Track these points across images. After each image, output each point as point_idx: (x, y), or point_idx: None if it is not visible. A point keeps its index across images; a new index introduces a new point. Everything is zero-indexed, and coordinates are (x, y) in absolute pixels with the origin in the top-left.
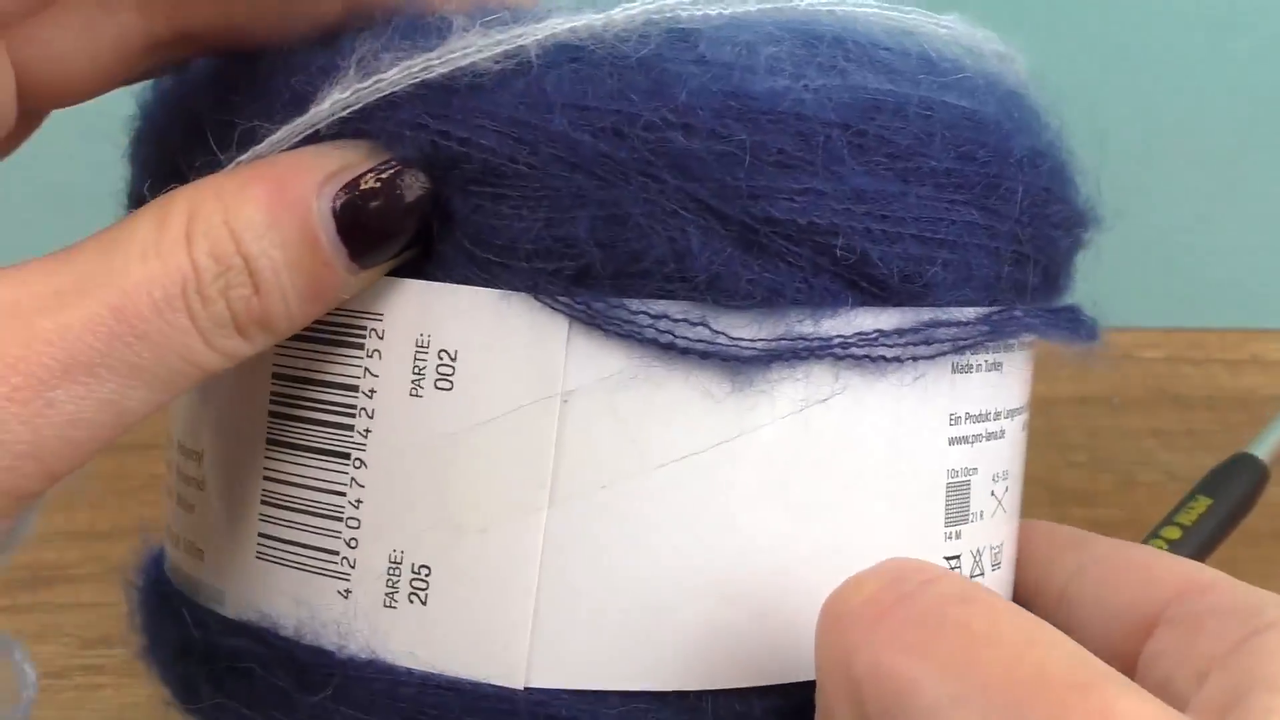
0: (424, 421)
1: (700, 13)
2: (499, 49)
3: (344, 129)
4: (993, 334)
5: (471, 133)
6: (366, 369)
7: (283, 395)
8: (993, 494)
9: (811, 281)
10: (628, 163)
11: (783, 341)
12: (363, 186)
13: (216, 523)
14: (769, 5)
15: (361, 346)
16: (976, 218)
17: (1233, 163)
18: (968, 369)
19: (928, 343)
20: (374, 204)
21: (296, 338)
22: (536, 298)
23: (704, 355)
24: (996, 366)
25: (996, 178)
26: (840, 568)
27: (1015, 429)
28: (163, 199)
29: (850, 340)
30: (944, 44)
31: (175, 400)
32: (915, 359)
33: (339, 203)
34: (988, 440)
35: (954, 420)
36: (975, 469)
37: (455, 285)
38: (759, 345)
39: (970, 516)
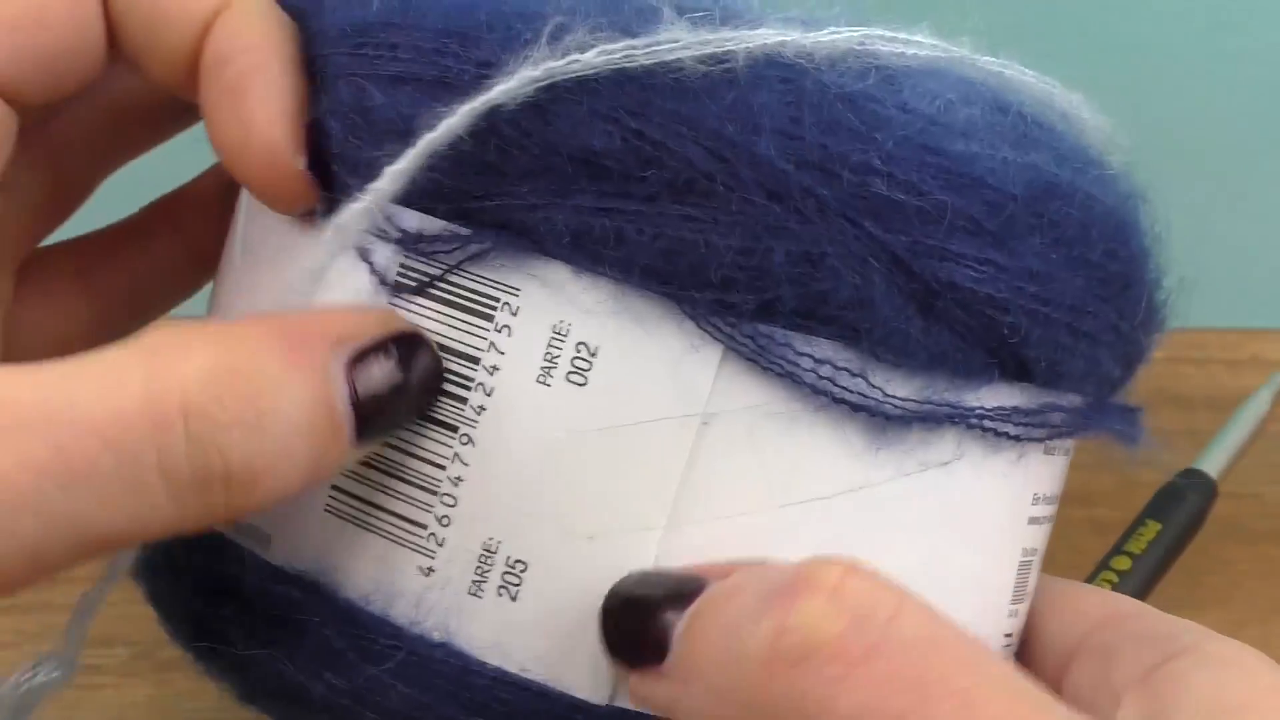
0: (548, 412)
1: (896, 50)
2: (707, 50)
3: (522, 115)
4: (1089, 424)
5: (669, 139)
6: (492, 343)
7: None
8: (1037, 573)
9: (969, 353)
10: (830, 202)
11: (928, 405)
12: (378, 357)
13: None
14: (946, 53)
15: (491, 319)
16: (1111, 315)
17: (1233, 162)
18: (1053, 451)
19: (1042, 425)
20: (389, 377)
21: (418, 290)
22: (699, 321)
23: (855, 407)
24: (1068, 451)
25: (1129, 278)
26: None
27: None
28: (149, 331)
29: (986, 413)
30: (1087, 129)
31: (217, 305)
32: (1029, 439)
33: (354, 371)
34: (1047, 522)
35: (1035, 500)
36: (1037, 549)
37: (611, 282)
38: (908, 405)
39: (1026, 595)
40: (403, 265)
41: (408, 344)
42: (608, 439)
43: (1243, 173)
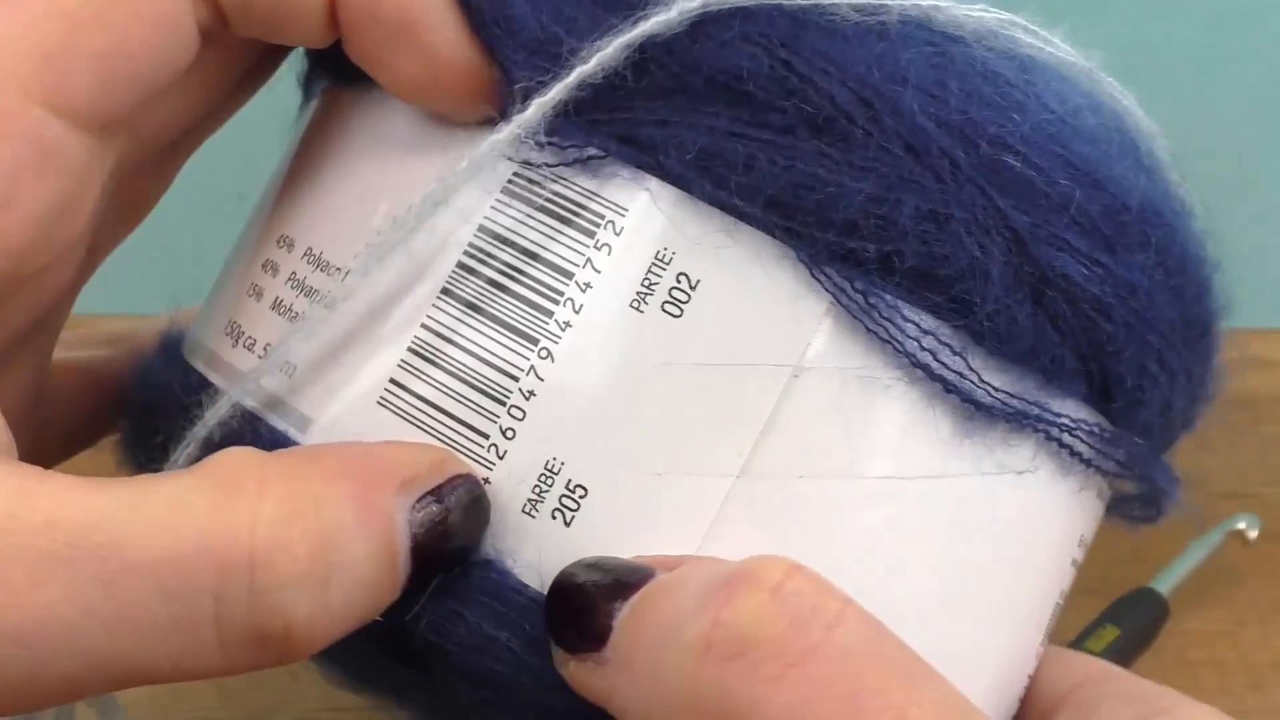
0: (637, 339)
1: (1037, 44)
2: (862, 0)
3: (676, 45)
4: (1148, 472)
5: (815, 74)
6: (589, 260)
7: (481, 251)
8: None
9: (1065, 354)
10: (965, 168)
11: (1020, 401)
12: (436, 503)
13: (330, 347)
14: (1077, 61)
15: (592, 235)
16: (1189, 359)
17: (1233, 162)
18: (1103, 496)
19: (1112, 457)
20: (446, 525)
21: (517, 198)
22: (812, 268)
23: (949, 388)
24: (1105, 497)
25: (1206, 329)
26: (956, 656)
27: None
28: (219, 458)
29: (1069, 425)
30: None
31: (304, 188)
32: (1096, 470)
33: (417, 517)
34: (1076, 571)
35: (1080, 542)
36: (1065, 595)
37: (722, 214)
38: (1000, 396)
39: (1047, 640)
40: (516, 173)
41: (465, 488)
42: (694, 375)
43: (1243, 172)
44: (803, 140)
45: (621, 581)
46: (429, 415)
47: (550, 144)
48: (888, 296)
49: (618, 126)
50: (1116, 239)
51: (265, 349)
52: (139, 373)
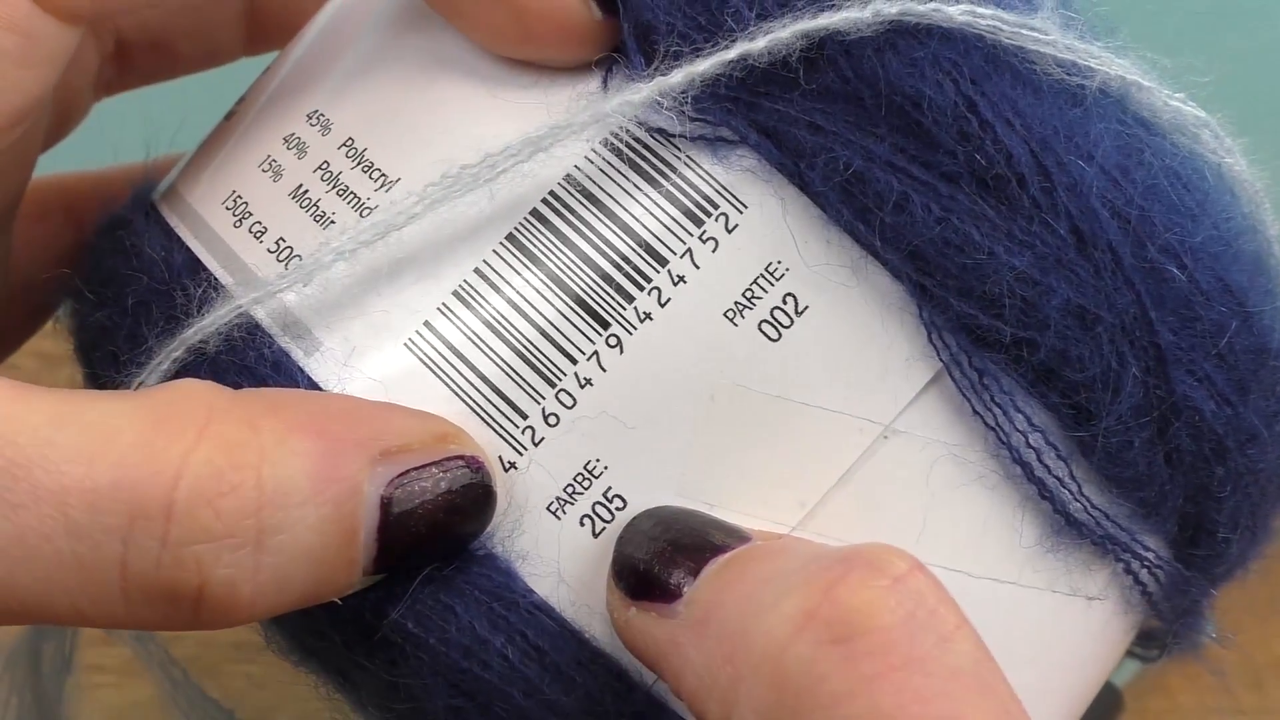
0: (722, 353)
1: (1220, 150)
2: (1068, 56)
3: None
4: (1192, 624)
5: (998, 123)
6: (690, 251)
7: (562, 203)
8: None
9: (1171, 492)
10: (1127, 268)
11: (1113, 526)
12: (422, 481)
13: (365, 267)
14: (1245, 175)
15: (700, 223)
16: (1271, 513)
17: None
18: (1150, 658)
19: (1172, 603)
20: (430, 508)
21: (621, 156)
22: (932, 332)
23: (1044, 494)
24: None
25: None
26: None
27: None
28: (171, 387)
29: (1154, 564)
30: None
31: (354, 70)
32: (1154, 612)
33: (395, 493)
34: None
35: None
36: None
37: (854, 246)
38: (1095, 515)
39: None
40: (634, 137)
41: (467, 473)
42: (774, 409)
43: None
44: (965, 193)
45: (714, 542)
46: (461, 374)
47: (681, 112)
48: (1004, 381)
49: (764, 116)
50: (1251, 380)
51: (278, 244)
52: (107, 233)
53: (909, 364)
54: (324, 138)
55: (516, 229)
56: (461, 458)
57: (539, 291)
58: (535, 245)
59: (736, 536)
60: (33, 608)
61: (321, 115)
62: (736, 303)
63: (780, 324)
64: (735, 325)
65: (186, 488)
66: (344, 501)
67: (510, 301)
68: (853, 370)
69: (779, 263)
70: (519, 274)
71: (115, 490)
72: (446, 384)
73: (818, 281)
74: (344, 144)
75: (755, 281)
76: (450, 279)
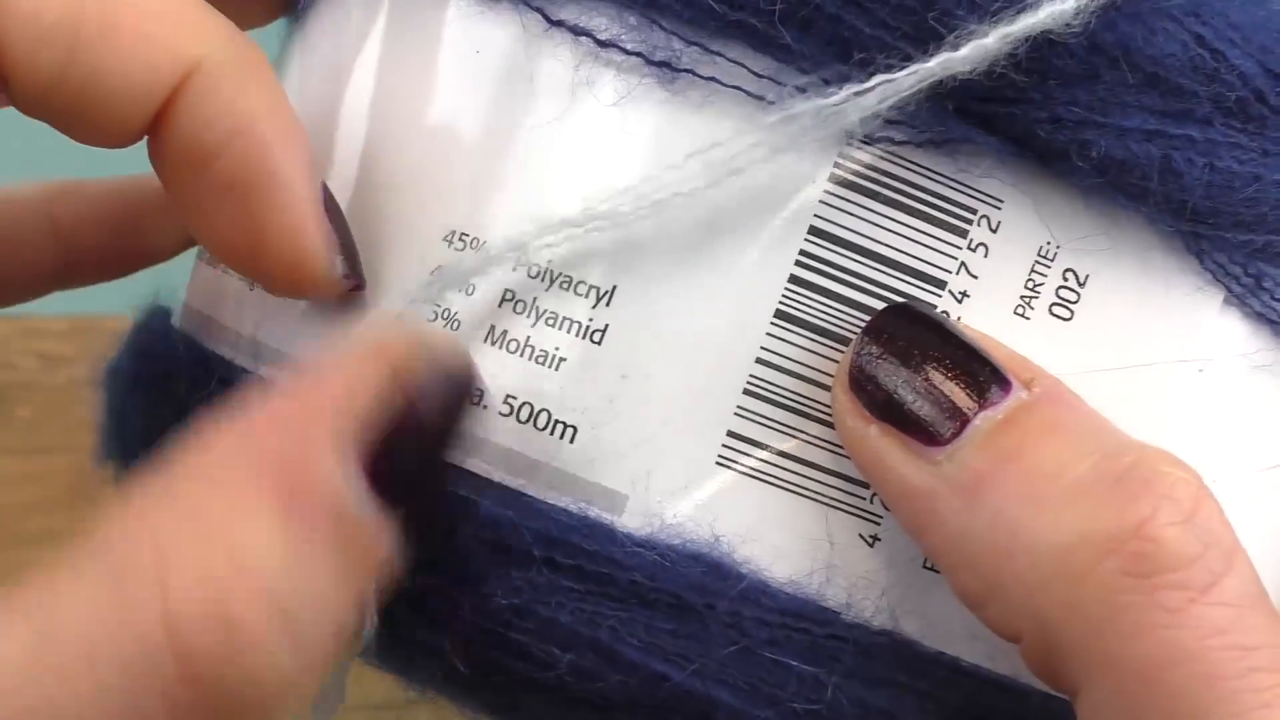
0: (1025, 350)
1: None
2: None
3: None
4: None
5: (1228, 49)
6: (963, 264)
7: (820, 260)
8: None
9: None
10: None
11: None
12: (390, 424)
13: (623, 395)
14: None
15: (965, 234)
16: None
17: None
18: None
19: None
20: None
21: (860, 190)
22: (1203, 258)
23: None
24: None
25: None
26: None
27: None
28: (102, 545)
29: None
30: None
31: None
32: None
33: (366, 456)
34: None
35: None
36: None
37: (1096, 201)
38: None
39: None
40: (863, 165)
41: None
42: (1090, 384)
43: None
44: (1218, 129)
45: (980, 381)
46: (788, 472)
47: (908, 123)
48: (1276, 274)
49: (1002, 121)
50: None
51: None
52: None
53: (1198, 293)
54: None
55: (784, 301)
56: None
57: (827, 358)
58: (807, 313)
59: (1000, 379)
60: None
61: (465, 235)
62: (1022, 297)
63: (1069, 302)
64: (1028, 319)
65: (181, 630)
66: (324, 518)
67: (804, 378)
68: (1149, 320)
69: (1048, 243)
70: (802, 348)
71: (128, 680)
72: (779, 487)
73: (1088, 249)
74: (557, 275)
75: (1033, 270)
76: (735, 379)
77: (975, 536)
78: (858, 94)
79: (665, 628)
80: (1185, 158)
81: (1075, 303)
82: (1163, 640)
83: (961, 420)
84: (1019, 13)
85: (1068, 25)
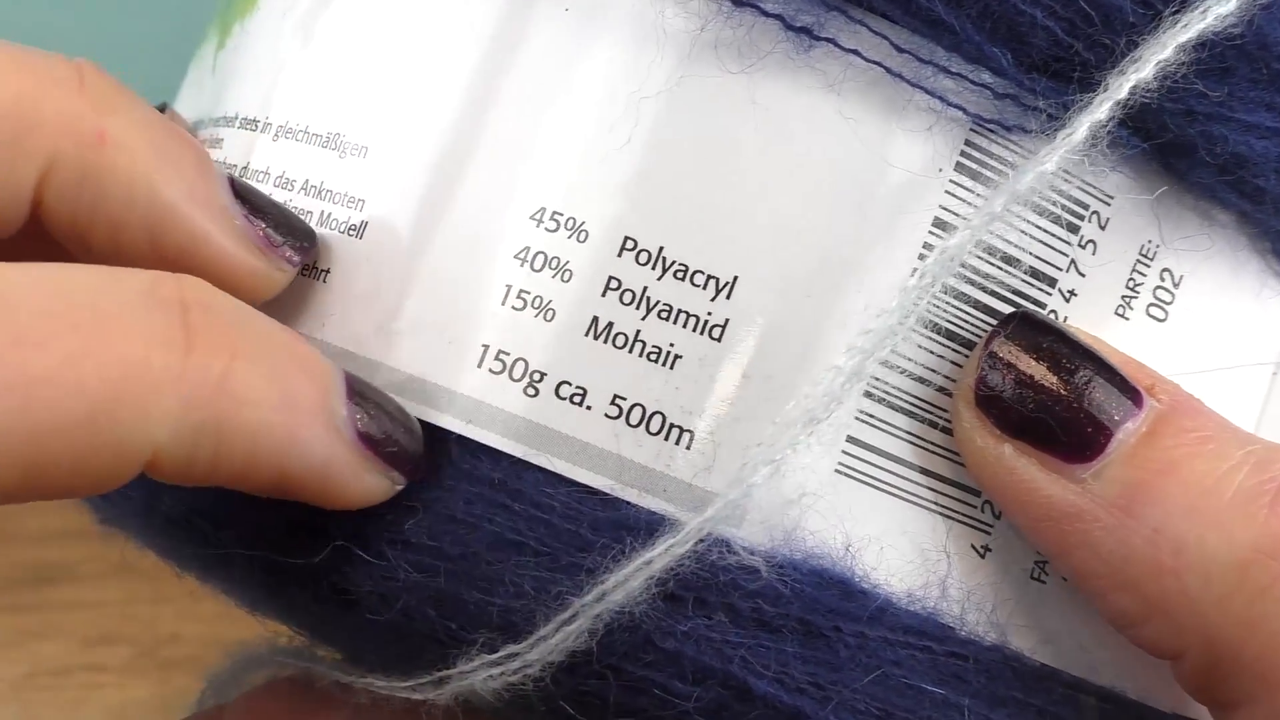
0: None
1: None
2: None
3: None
4: None
5: None
6: (1073, 261)
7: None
8: None
9: None
10: None
11: None
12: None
13: (741, 398)
14: None
15: (1076, 230)
16: None
17: None
18: None
19: None
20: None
21: (983, 181)
22: (1270, 257)
23: None
24: None
25: None
26: None
27: None
28: None
29: None
30: None
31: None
32: None
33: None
34: None
35: None
36: None
37: (1200, 199)
38: None
39: None
40: (971, 145)
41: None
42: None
43: None
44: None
45: (1121, 389)
46: (904, 478)
47: (1035, 107)
48: None
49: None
50: None
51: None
52: None
53: (1276, 298)
54: (581, 245)
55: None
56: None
57: (944, 358)
58: (939, 315)
59: (1131, 389)
60: None
61: (559, 215)
62: (1123, 296)
63: (1164, 303)
64: (1127, 319)
65: None
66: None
67: (924, 381)
68: (1232, 322)
69: (1150, 242)
70: (921, 348)
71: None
72: (898, 497)
73: (1183, 251)
74: (668, 261)
75: (1135, 269)
76: (858, 384)
77: (1133, 555)
78: (1065, 133)
79: (795, 654)
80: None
81: (1170, 304)
82: None
83: (1105, 434)
84: (1181, 12)
85: (1233, 25)
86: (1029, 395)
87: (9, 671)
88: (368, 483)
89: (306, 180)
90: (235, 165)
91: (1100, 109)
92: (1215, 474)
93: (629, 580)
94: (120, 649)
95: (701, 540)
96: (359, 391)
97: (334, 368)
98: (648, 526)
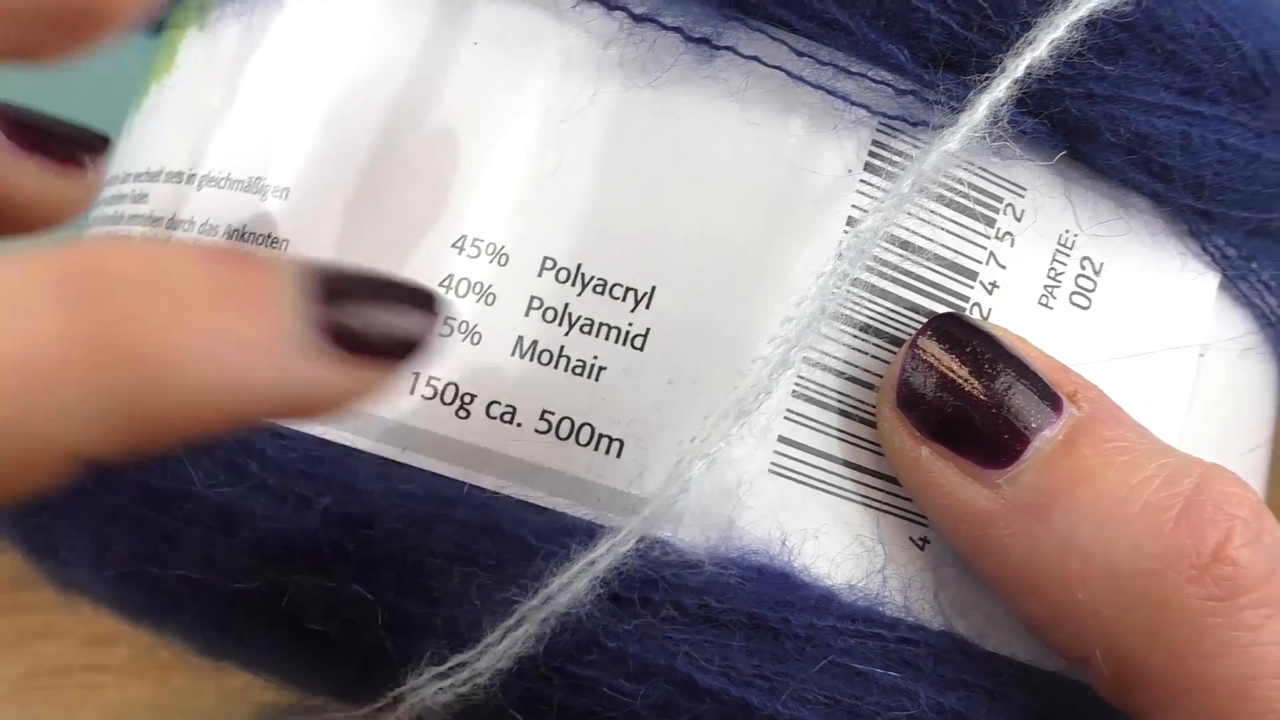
0: (1048, 342)
1: None
2: None
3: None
4: None
5: (1233, 30)
6: (992, 254)
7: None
8: None
9: None
10: None
11: None
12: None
13: (667, 403)
14: None
15: (992, 223)
16: None
17: None
18: None
19: None
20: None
21: (893, 179)
22: (1203, 241)
23: None
24: None
25: None
26: None
27: None
28: None
29: None
30: None
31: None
32: None
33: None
34: None
35: None
36: None
37: (1124, 192)
38: None
39: None
40: (878, 145)
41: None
42: (1106, 372)
43: None
44: (1226, 108)
45: (1040, 396)
46: (833, 474)
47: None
48: (1263, 259)
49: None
50: None
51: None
52: None
53: (1197, 278)
54: (502, 269)
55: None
56: None
57: (867, 354)
58: (848, 308)
59: (1052, 396)
60: None
61: (479, 241)
62: (1046, 286)
63: (1087, 290)
64: (1051, 309)
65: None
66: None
67: (849, 378)
68: (1156, 306)
69: (1067, 231)
70: (845, 345)
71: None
72: (829, 492)
73: (1101, 237)
74: (580, 273)
75: (1055, 258)
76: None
77: (1042, 562)
78: (972, 123)
79: (740, 648)
80: (1200, 135)
81: (1093, 291)
82: (1249, 658)
83: (1022, 441)
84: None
85: (1124, 4)
86: (948, 398)
87: (9, 671)
88: (353, 383)
89: (229, 225)
90: (163, 218)
91: (998, 88)
92: (1128, 485)
93: (574, 582)
94: (120, 649)
95: (643, 539)
96: (338, 290)
97: (291, 280)
98: (589, 530)
